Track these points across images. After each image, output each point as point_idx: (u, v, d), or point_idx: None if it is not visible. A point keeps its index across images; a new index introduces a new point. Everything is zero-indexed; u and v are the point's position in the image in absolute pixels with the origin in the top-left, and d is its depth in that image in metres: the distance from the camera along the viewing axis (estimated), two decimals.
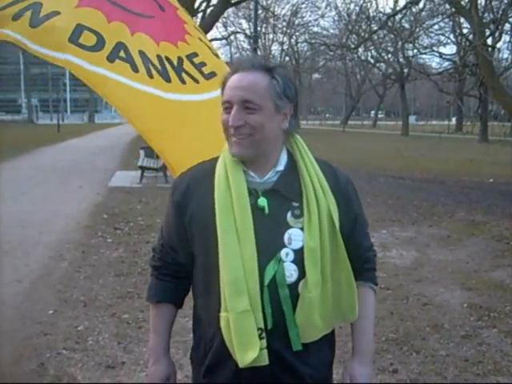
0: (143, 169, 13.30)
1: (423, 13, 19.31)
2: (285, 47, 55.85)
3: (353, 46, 20.81)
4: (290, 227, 1.62)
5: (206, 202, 1.65)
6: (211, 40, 41.86)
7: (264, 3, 42.39)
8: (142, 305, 5.03)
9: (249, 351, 1.55)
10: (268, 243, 1.59)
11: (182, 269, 1.78)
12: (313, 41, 38.40)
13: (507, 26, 15.47)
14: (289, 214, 1.63)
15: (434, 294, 5.51)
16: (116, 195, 11.23)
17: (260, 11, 35.02)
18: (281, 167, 1.69)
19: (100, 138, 34.88)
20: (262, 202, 1.62)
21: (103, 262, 6.43)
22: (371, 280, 1.85)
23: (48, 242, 7.35)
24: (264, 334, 1.57)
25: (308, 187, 1.65)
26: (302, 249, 1.61)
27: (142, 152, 14.83)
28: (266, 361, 1.57)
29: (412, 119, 66.53)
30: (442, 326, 4.67)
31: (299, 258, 1.60)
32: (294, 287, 1.60)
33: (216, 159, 1.74)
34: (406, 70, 44.90)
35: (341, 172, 1.78)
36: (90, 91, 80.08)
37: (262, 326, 1.56)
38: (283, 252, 1.60)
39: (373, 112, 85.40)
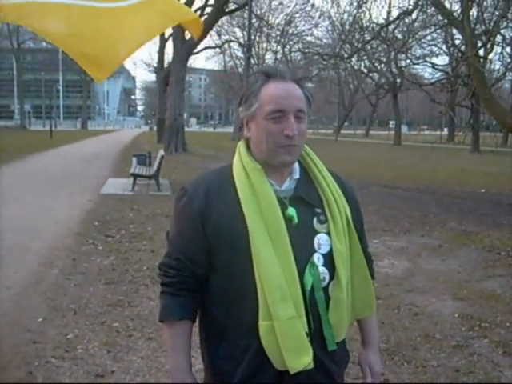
0: (135, 176, 13.27)
1: (416, 23, 19.43)
2: (278, 56, 56.00)
3: (346, 56, 20.89)
4: (318, 232, 1.69)
5: (230, 210, 1.64)
6: (205, 48, 42.14)
7: (258, 12, 42.63)
8: (132, 313, 5.00)
9: (302, 356, 1.58)
10: (300, 249, 1.63)
11: (199, 282, 1.72)
12: (306, 50, 38.52)
13: (499, 38, 15.62)
14: (315, 220, 1.70)
15: (425, 303, 5.50)
16: (108, 202, 11.18)
17: (254, 20, 35.16)
18: (297, 175, 1.75)
19: (93, 145, 34.81)
20: (291, 211, 1.66)
21: (94, 269, 6.39)
22: (372, 276, 1.90)
23: (39, 248, 7.30)
24: (309, 338, 1.61)
25: (327, 194, 1.73)
26: (329, 253, 1.68)
27: (134, 159, 14.83)
28: (312, 364, 1.60)
29: (404, 129, 66.81)
30: (433, 336, 4.66)
31: (328, 261, 1.67)
32: (326, 290, 1.66)
33: (227, 167, 1.75)
34: (398, 80, 45.18)
35: (346, 181, 1.89)
36: (83, 98, 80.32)
37: (307, 330, 1.60)
38: (315, 257, 1.66)
39: (392, 123, 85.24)
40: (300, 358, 1.58)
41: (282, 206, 1.65)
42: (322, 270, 1.66)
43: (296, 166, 1.76)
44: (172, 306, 1.73)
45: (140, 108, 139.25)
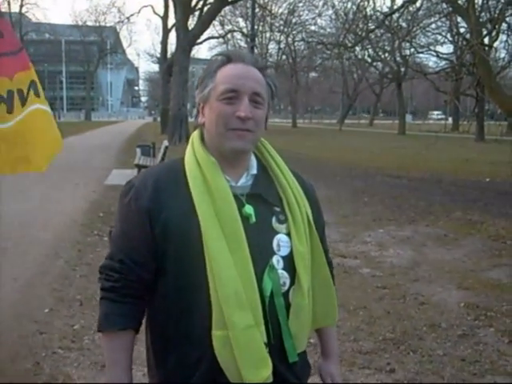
0: (140, 167, 13.25)
1: (420, 12, 19.37)
2: (282, 46, 55.93)
3: (350, 45, 20.80)
4: (277, 233, 1.55)
5: (182, 208, 1.49)
6: (208, 38, 42.00)
7: (261, 1, 42.39)
8: None
9: (260, 369, 1.43)
10: (258, 251, 1.48)
11: (144, 287, 1.55)
12: (310, 39, 38.36)
13: (504, 26, 15.47)
14: (273, 220, 1.56)
15: (430, 293, 5.50)
16: (112, 193, 11.16)
17: (257, 10, 35.02)
18: (254, 171, 1.60)
19: (96, 136, 34.82)
20: (249, 209, 1.52)
21: (99, 260, 6.35)
22: (333, 283, 1.74)
23: (44, 240, 7.33)
24: (268, 349, 1.45)
25: (287, 192, 1.59)
26: (289, 255, 1.54)
27: (138, 150, 14.83)
28: (271, 378, 1.46)
29: (408, 118, 66.57)
30: (438, 325, 4.66)
31: (288, 264, 1.53)
32: (286, 296, 1.52)
33: (179, 160, 1.60)
34: (402, 69, 44.96)
35: (307, 180, 1.74)
36: (87, 89, 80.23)
37: (266, 340, 1.45)
38: (274, 259, 1.51)
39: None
40: (258, 371, 1.43)
41: (238, 204, 1.49)
42: (282, 273, 1.51)
43: (253, 160, 1.61)
44: (113, 315, 1.55)
45: (143, 99, 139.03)
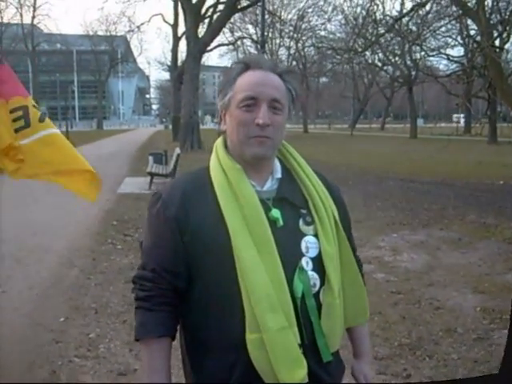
0: (152, 175, 13.31)
1: (430, 15, 19.28)
2: (292, 52, 55.98)
3: (360, 50, 20.78)
4: (305, 235, 1.58)
5: (210, 215, 1.52)
6: (218, 46, 42.18)
7: (270, 8, 42.55)
8: None
9: (296, 370, 1.46)
10: (287, 253, 1.51)
11: (178, 295, 1.59)
12: (320, 45, 38.43)
13: None
14: (301, 222, 1.59)
15: (446, 297, 5.46)
16: (125, 202, 11.25)
17: (266, 16, 35.04)
18: (279, 174, 1.63)
19: (108, 145, 35.01)
20: (276, 213, 1.55)
21: (114, 268, 6.43)
22: (364, 284, 1.78)
23: (59, 249, 7.37)
24: (302, 350, 1.48)
25: (313, 194, 1.62)
26: (317, 256, 1.56)
27: (150, 158, 14.89)
28: (306, 378, 1.48)
29: (420, 122, 66.27)
30: (454, 330, 4.63)
31: (317, 265, 1.56)
32: (317, 296, 1.55)
33: (204, 169, 1.65)
34: (413, 73, 44.86)
35: (331, 181, 1.77)
36: (98, 98, 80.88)
37: (299, 341, 1.48)
38: (303, 261, 1.54)
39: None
40: (294, 372, 1.46)
41: (265, 208, 1.53)
42: (312, 274, 1.54)
43: (277, 164, 1.65)
44: (150, 323, 1.57)
45: (155, 107, 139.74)
